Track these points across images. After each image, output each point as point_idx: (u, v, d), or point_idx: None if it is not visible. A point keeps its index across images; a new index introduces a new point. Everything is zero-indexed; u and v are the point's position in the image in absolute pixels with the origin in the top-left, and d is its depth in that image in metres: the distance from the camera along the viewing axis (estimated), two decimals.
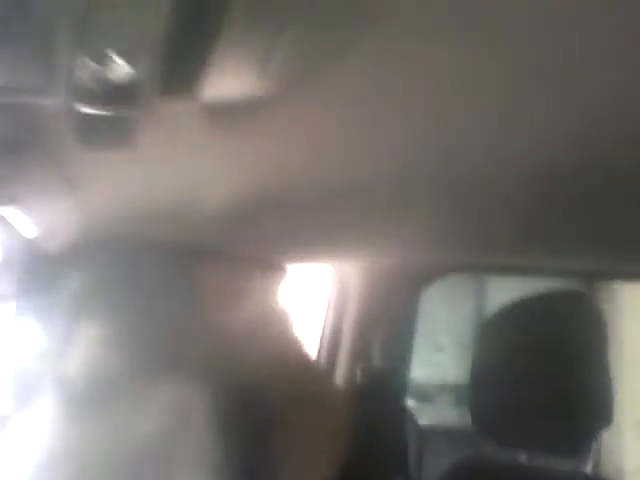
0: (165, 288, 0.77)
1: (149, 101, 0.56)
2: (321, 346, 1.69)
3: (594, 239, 1.26)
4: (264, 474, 0.79)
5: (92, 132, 0.54)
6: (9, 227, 0.88)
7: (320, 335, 1.70)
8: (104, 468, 0.69)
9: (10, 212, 0.84)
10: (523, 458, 1.27)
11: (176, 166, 0.85)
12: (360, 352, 1.63)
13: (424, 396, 2.66)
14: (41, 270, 0.81)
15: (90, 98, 0.51)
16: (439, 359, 2.77)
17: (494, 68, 0.62)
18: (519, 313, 1.31)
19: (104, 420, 0.70)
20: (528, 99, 0.69)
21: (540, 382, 1.20)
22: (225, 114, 0.69)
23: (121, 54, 0.43)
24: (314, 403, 0.90)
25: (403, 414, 1.60)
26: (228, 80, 0.62)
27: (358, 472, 1.02)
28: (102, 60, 0.44)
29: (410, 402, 2.46)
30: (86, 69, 0.46)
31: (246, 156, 0.93)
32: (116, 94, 0.52)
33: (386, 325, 1.67)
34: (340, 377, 1.61)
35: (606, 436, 2.45)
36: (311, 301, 1.80)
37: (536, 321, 1.27)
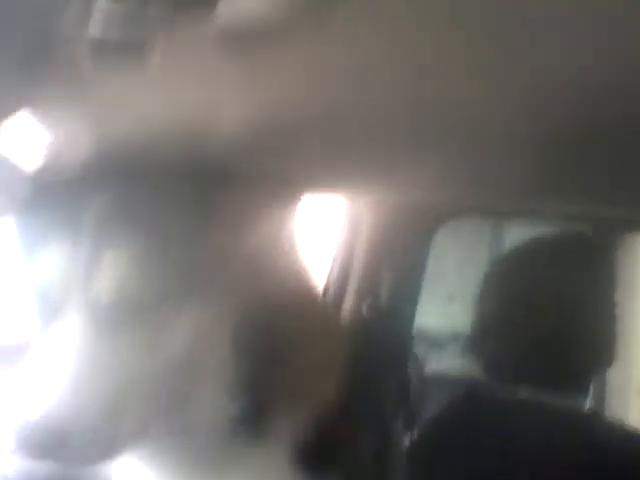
0: (184, 212, 0.78)
1: (163, 23, 0.55)
2: (330, 278, 1.70)
3: (612, 184, 1.25)
4: (272, 395, 0.82)
5: (107, 55, 0.54)
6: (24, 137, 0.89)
7: (330, 267, 1.71)
8: (132, 382, 0.73)
9: (26, 118, 0.84)
10: (524, 393, 1.30)
11: (191, 87, 0.85)
12: (368, 287, 1.64)
13: (434, 344, 2.69)
14: (57, 189, 0.82)
15: (105, 20, 0.51)
16: (450, 308, 2.78)
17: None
18: (524, 255, 1.32)
19: (132, 339, 0.73)
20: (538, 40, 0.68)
21: (542, 320, 1.22)
22: (240, 37, 0.68)
23: None
24: (320, 332, 0.92)
25: (406, 351, 1.62)
26: (243, 2, 0.62)
27: (358, 404, 1.04)
28: None
29: (420, 349, 2.49)
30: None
31: (261, 80, 0.91)
32: (130, 16, 0.51)
33: (395, 262, 1.68)
34: (347, 310, 1.63)
35: (612, 398, 2.45)
36: (323, 232, 1.80)
37: (540, 263, 1.27)
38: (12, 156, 0.91)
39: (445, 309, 2.74)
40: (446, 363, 2.57)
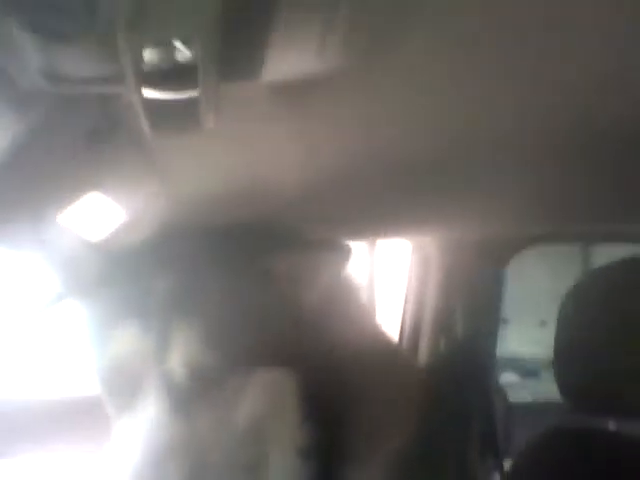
0: (248, 278, 0.80)
1: (211, 84, 0.58)
2: (404, 319, 1.70)
3: None
4: (344, 452, 0.82)
5: (159, 117, 0.57)
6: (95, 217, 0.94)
7: (403, 308, 1.71)
8: (208, 457, 0.75)
9: (96, 198, 0.89)
10: (613, 425, 1.25)
11: (245, 148, 0.88)
12: (443, 325, 1.63)
13: (528, 371, 2.62)
14: (126, 264, 0.85)
15: (154, 83, 0.55)
16: (543, 334, 2.71)
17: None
18: (603, 280, 1.28)
19: (206, 413, 0.76)
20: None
21: (628, 347, 1.18)
22: (286, 95, 0.71)
23: (181, 39, 0.46)
24: (395, 376, 0.92)
25: (489, 385, 1.59)
26: (287, 61, 0.64)
27: (444, 444, 1.02)
28: (163, 46, 0.47)
29: (513, 377, 2.42)
30: (149, 55, 0.49)
31: (313, 134, 0.94)
32: (178, 78, 0.55)
33: (467, 297, 1.66)
34: (424, 348, 1.62)
35: None
36: (393, 275, 1.81)
37: (621, 286, 1.24)
38: (84, 234, 0.96)
39: (537, 335, 2.68)
40: (540, 391, 2.50)
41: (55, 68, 0.51)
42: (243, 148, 0.92)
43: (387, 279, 1.85)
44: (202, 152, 0.89)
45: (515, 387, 2.24)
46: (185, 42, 0.47)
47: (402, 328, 1.71)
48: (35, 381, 1.97)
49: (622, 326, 1.19)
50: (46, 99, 0.60)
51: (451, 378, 1.43)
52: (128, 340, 0.78)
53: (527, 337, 2.58)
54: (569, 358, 1.27)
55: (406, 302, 1.72)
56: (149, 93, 0.55)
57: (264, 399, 0.78)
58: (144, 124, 0.57)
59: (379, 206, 1.40)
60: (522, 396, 2.02)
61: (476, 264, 1.66)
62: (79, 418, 1.68)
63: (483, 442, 1.42)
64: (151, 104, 0.55)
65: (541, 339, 2.58)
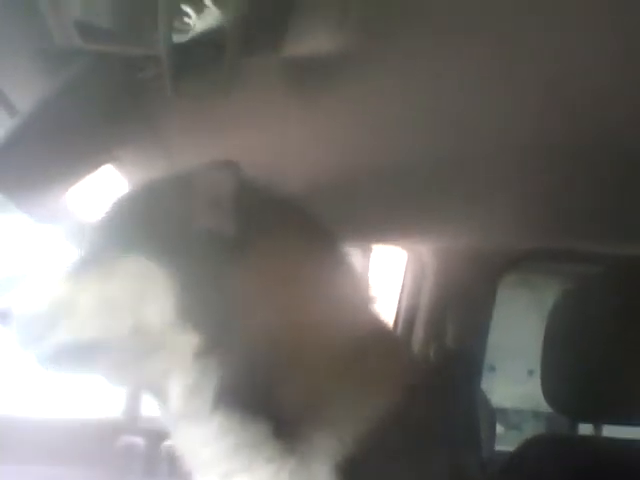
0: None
1: (235, 52, 0.62)
2: (396, 324, 1.73)
3: None
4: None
5: (185, 80, 0.61)
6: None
7: (395, 313, 1.74)
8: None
9: (110, 170, 0.92)
10: (597, 431, 1.27)
11: (259, 126, 0.91)
12: (434, 332, 1.66)
13: (512, 424, 2.62)
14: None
15: (184, 48, 0.58)
16: (528, 385, 2.69)
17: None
18: (582, 293, 1.32)
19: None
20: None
21: (611, 356, 1.21)
22: (304, 68, 0.74)
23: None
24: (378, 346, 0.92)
25: (475, 393, 1.62)
26: (306, 39, 0.68)
27: (430, 447, 1.04)
28: (196, 5, 0.51)
29: (499, 428, 2.41)
30: (182, 17, 0.53)
31: (323, 126, 0.97)
32: (206, 46, 0.58)
33: (461, 309, 1.69)
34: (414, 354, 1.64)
35: None
36: (388, 281, 1.84)
37: (600, 297, 1.27)
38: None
39: (523, 386, 2.66)
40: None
41: (91, 23, 0.55)
42: (251, 132, 0.95)
43: (381, 285, 1.87)
44: (211, 133, 0.92)
45: (499, 438, 2.23)
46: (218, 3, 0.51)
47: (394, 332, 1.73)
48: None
49: (600, 337, 1.23)
50: (78, 58, 0.63)
51: (438, 383, 1.46)
52: None
53: (513, 388, 2.57)
54: (553, 367, 1.30)
55: (398, 308, 1.75)
56: (178, 56, 0.58)
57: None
58: (169, 88, 0.61)
59: (377, 210, 1.43)
60: (504, 447, 2.01)
61: (470, 274, 1.69)
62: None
63: (466, 447, 1.44)
64: (178, 66, 0.59)
65: (526, 390, 2.57)
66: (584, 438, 1.32)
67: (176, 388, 0.79)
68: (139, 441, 2.08)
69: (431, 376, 1.21)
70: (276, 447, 0.80)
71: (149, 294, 0.79)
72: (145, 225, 0.82)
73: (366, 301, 0.92)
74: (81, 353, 0.82)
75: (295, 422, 0.80)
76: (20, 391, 2.18)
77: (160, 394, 0.83)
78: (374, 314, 0.93)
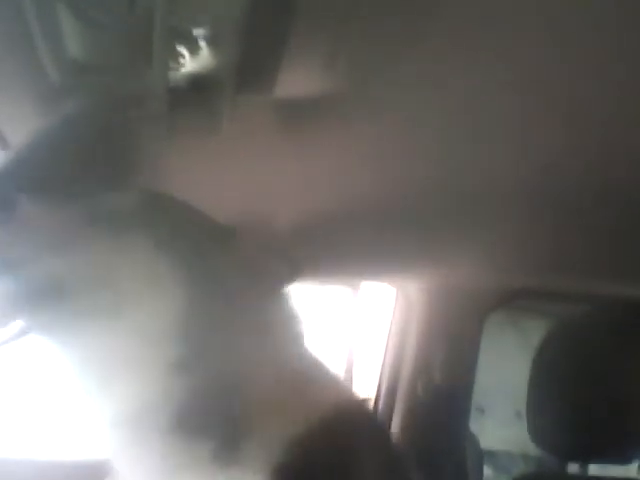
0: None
1: (228, 95, 0.63)
2: (385, 361, 1.73)
3: None
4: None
5: (181, 115, 0.62)
6: None
7: (384, 350, 1.74)
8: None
9: None
10: (583, 470, 1.27)
11: (250, 166, 0.93)
12: (422, 369, 1.66)
13: (502, 467, 2.59)
14: None
15: (179, 87, 0.60)
16: (516, 427, 2.66)
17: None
18: (567, 332, 1.33)
19: None
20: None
21: (593, 396, 1.21)
22: (296, 107, 0.76)
23: (207, 39, 0.51)
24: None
25: (463, 431, 1.61)
26: (297, 79, 0.70)
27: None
28: (191, 46, 0.52)
29: (488, 471, 2.39)
30: (177, 57, 0.55)
31: (314, 167, 0.99)
32: (200, 84, 0.60)
33: (448, 345, 1.69)
34: (402, 391, 1.64)
35: None
36: (376, 318, 1.84)
37: (586, 337, 1.28)
38: None
39: (511, 428, 2.63)
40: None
41: (86, 60, 0.56)
42: (243, 170, 0.96)
43: (369, 322, 1.88)
44: (204, 170, 0.93)
45: None
46: (211, 42, 0.52)
47: (382, 371, 1.73)
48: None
49: (585, 378, 1.23)
50: (73, 95, 0.64)
51: (427, 420, 1.46)
52: None
53: (501, 430, 2.55)
54: (538, 407, 1.31)
55: (387, 345, 1.75)
56: (172, 94, 0.60)
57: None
58: (166, 121, 0.62)
59: (365, 248, 1.44)
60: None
61: (456, 313, 1.70)
62: None
63: None
64: (172, 105, 0.60)
65: (515, 433, 2.54)
66: (569, 476, 1.32)
67: (135, 399, 0.77)
68: None
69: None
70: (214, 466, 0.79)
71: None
72: None
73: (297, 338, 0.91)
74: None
75: (233, 442, 0.79)
76: (10, 432, 2.15)
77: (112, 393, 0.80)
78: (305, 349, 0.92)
